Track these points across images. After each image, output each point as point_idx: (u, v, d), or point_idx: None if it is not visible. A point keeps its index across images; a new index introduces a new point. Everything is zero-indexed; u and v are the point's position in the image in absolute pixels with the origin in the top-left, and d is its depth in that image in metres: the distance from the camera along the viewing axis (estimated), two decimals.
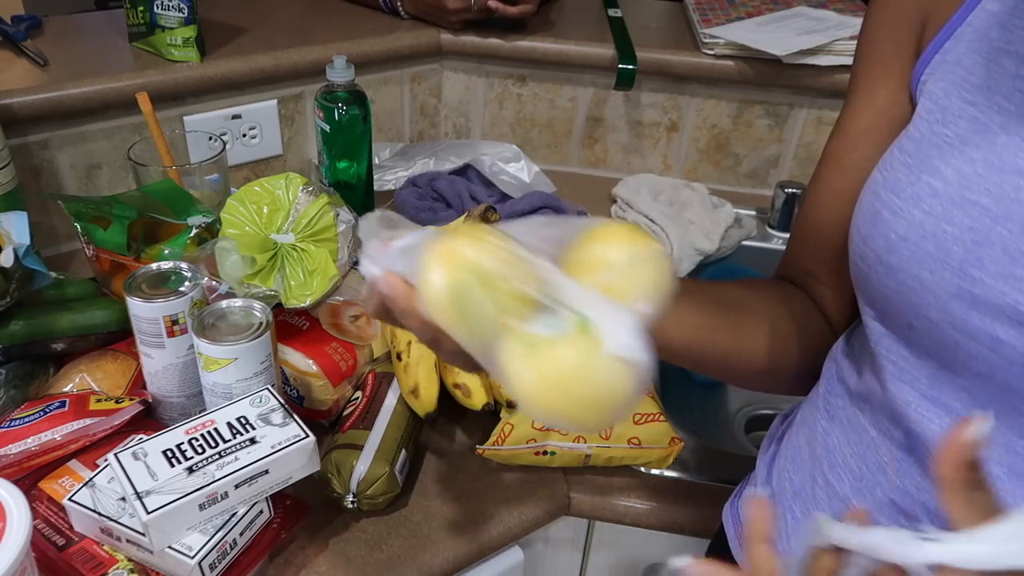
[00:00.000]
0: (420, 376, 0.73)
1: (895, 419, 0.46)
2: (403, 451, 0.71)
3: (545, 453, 0.74)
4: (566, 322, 0.39)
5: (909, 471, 0.46)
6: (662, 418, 0.75)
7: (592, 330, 0.38)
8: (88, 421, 0.66)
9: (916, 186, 0.42)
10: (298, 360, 0.75)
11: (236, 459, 0.60)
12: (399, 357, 0.74)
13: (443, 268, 0.40)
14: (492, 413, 0.74)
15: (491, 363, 0.40)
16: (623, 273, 0.40)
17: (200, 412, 0.65)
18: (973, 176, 0.40)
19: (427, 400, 0.73)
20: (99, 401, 0.69)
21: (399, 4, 1.18)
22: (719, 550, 0.65)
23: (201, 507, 0.58)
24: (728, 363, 0.57)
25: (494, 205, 1.08)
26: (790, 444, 0.59)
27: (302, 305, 0.73)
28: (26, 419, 0.67)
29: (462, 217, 0.82)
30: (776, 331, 0.57)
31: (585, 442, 0.73)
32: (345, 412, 0.75)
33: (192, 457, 0.59)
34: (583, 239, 0.42)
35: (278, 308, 0.73)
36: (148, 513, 0.56)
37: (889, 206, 0.43)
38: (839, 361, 0.53)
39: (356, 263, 0.87)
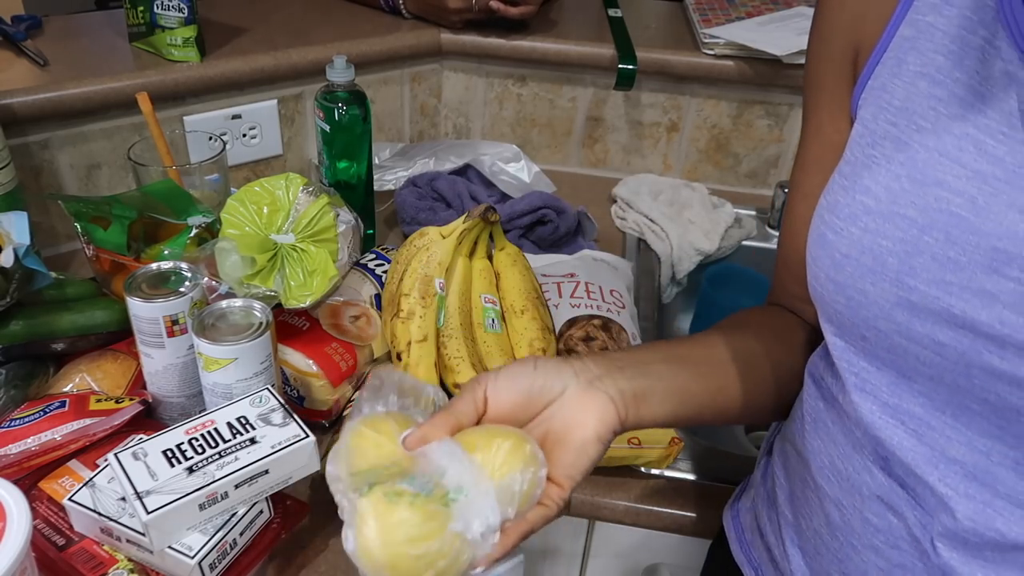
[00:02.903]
0: (420, 376, 0.73)
1: (862, 428, 0.48)
2: None
3: None
4: (432, 487, 0.45)
5: (887, 471, 0.47)
6: None
7: (451, 504, 0.44)
8: (88, 421, 0.66)
9: (852, 206, 0.45)
10: (298, 360, 0.75)
11: (236, 459, 0.60)
12: (399, 357, 0.74)
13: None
14: None
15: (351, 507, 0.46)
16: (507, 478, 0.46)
17: (200, 412, 0.65)
18: (900, 191, 0.43)
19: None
20: (99, 401, 0.69)
21: (402, 3, 1.18)
22: (720, 551, 0.65)
23: (201, 507, 0.58)
24: (704, 419, 0.58)
25: (494, 205, 1.08)
26: (781, 448, 0.59)
27: (302, 305, 0.73)
28: (26, 419, 0.67)
29: (462, 217, 0.82)
30: (748, 377, 0.58)
31: None
32: (345, 412, 0.75)
33: (192, 457, 0.59)
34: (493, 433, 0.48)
35: (278, 308, 0.73)
36: (148, 513, 0.56)
37: (831, 227, 0.46)
38: (817, 367, 0.54)
39: (356, 263, 0.87)
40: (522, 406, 0.50)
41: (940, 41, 0.43)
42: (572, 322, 0.82)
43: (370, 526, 0.44)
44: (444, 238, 0.81)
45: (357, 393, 0.76)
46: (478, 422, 0.50)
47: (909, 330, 0.42)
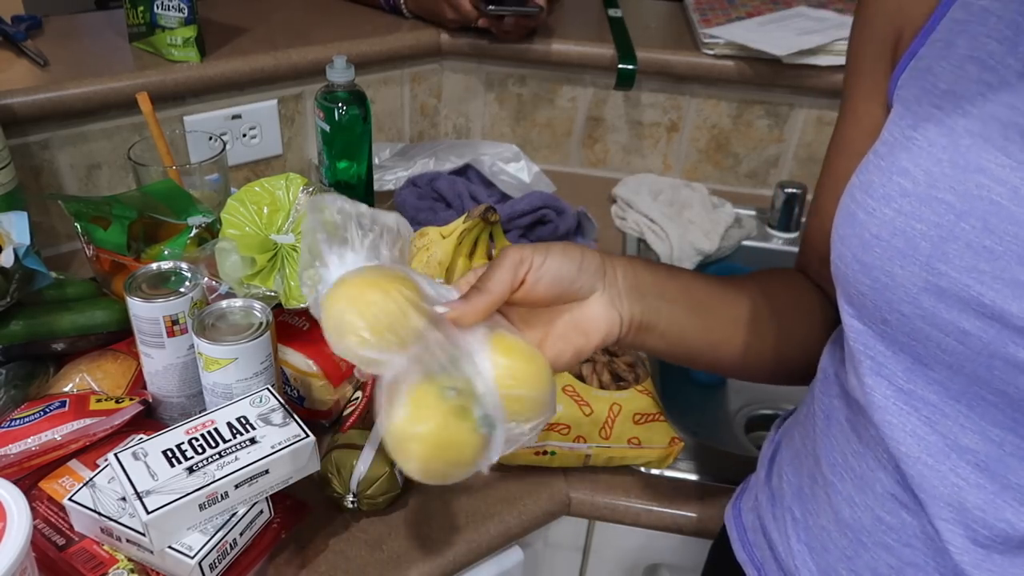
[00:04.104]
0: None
1: (874, 417, 0.48)
2: None
3: (545, 453, 0.74)
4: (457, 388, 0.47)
5: (899, 466, 0.47)
6: (662, 418, 0.75)
7: (472, 407, 0.47)
8: (88, 421, 0.66)
9: (887, 186, 0.44)
10: (298, 361, 0.75)
11: (236, 459, 0.60)
12: None
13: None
14: None
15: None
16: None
17: (200, 412, 0.65)
18: (940, 175, 0.42)
19: None
20: (99, 401, 0.69)
21: (403, 2, 1.18)
22: (722, 551, 0.65)
23: (201, 507, 0.58)
24: (695, 364, 0.61)
25: (494, 205, 1.08)
26: (789, 445, 0.59)
27: (302, 305, 0.72)
28: (26, 419, 0.67)
29: (462, 217, 0.82)
30: (752, 342, 0.59)
31: (585, 442, 0.73)
32: (345, 412, 0.75)
33: (192, 457, 0.59)
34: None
35: (278, 308, 0.73)
36: (148, 513, 0.56)
37: (863, 206, 0.46)
38: (833, 361, 0.54)
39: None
40: (554, 298, 0.53)
41: (994, 26, 0.42)
42: None
43: (413, 413, 0.46)
44: (444, 238, 0.81)
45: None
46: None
47: (934, 316, 0.42)
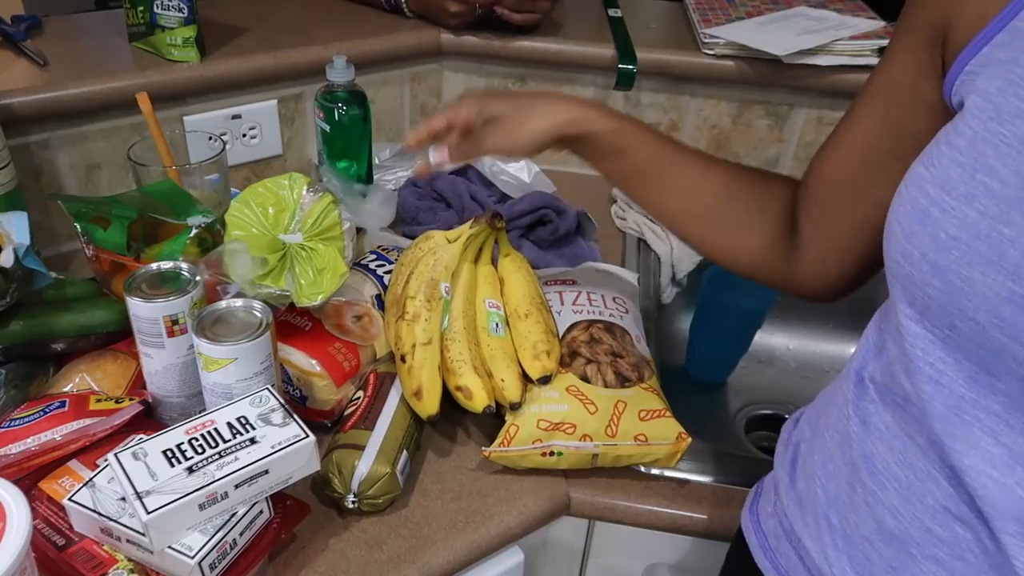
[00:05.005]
0: (424, 379, 0.73)
1: (930, 427, 0.45)
2: (404, 452, 0.71)
3: (552, 454, 0.73)
4: None
5: (961, 479, 0.44)
6: (668, 414, 0.75)
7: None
8: (88, 421, 0.66)
9: (970, 185, 0.41)
10: (301, 360, 0.75)
11: (236, 459, 0.60)
12: (403, 359, 0.74)
13: None
14: (493, 415, 0.74)
15: None
16: None
17: (200, 412, 0.65)
18: None
19: (430, 403, 0.73)
20: (99, 401, 0.69)
21: (404, 2, 1.18)
22: (740, 557, 0.63)
23: (201, 507, 0.58)
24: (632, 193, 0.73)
25: (494, 205, 1.08)
26: (818, 449, 0.56)
27: (314, 304, 0.73)
28: (26, 419, 0.67)
29: (468, 223, 0.82)
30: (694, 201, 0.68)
31: (591, 440, 0.73)
32: (347, 412, 0.75)
33: (192, 457, 0.59)
34: None
35: (279, 308, 0.73)
36: (148, 513, 0.55)
37: (939, 204, 0.42)
38: (868, 363, 0.52)
39: (356, 263, 0.87)
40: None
41: None
42: (575, 325, 0.82)
43: None
44: (450, 243, 0.81)
45: (356, 391, 0.76)
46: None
47: (1015, 327, 0.39)
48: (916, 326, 0.45)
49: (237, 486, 0.59)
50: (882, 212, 0.48)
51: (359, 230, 0.96)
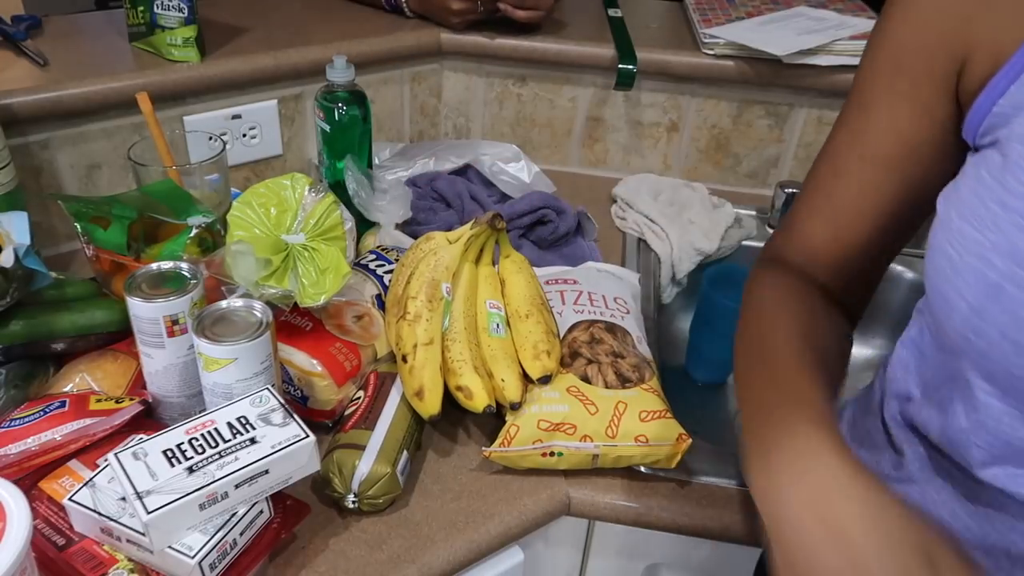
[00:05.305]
0: (425, 379, 0.73)
1: (990, 501, 0.43)
2: (405, 452, 0.71)
3: (552, 454, 0.73)
4: None
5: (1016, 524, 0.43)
6: (668, 415, 0.75)
7: None
8: (88, 421, 0.66)
9: None
10: (302, 360, 0.75)
11: (236, 459, 0.60)
12: (404, 359, 0.74)
13: None
14: (493, 415, 0.74)
15: None
16: None
17: (200, 412, 0.65)
18: None
19: (431, 403, 0.73)
20: (99, 401, 0.69)
21: (404, 2, 1.18)
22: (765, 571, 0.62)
23: (201, 507, 0.58)
24: None
25: (494, 205, 1.08)
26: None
27: (317, 303, 0.73)
28: (26, 419, 0.67)
29: (469, 224, 0.82)
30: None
31: (591, 441, 0.73)
32: (347, 412, 0.75)
33: (192, 457, 0.59)
34: None
35: (279, 308, 0.73)
36: (148, 513, 0.55)
37: (1011, 278, 0.38)
38: (914, 417, 0.49)
39: (356, 263, 0.87)
40: None
41: None
42: (576, 325, 0.82)
43: None
44: (451, 243, 0.81)
45: (359, 392, 0.76)
46: None
47: None
48: (999, 403, 0.42)
49: (237, 486, 0.59)
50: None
51: (373, 225, 0.96)
